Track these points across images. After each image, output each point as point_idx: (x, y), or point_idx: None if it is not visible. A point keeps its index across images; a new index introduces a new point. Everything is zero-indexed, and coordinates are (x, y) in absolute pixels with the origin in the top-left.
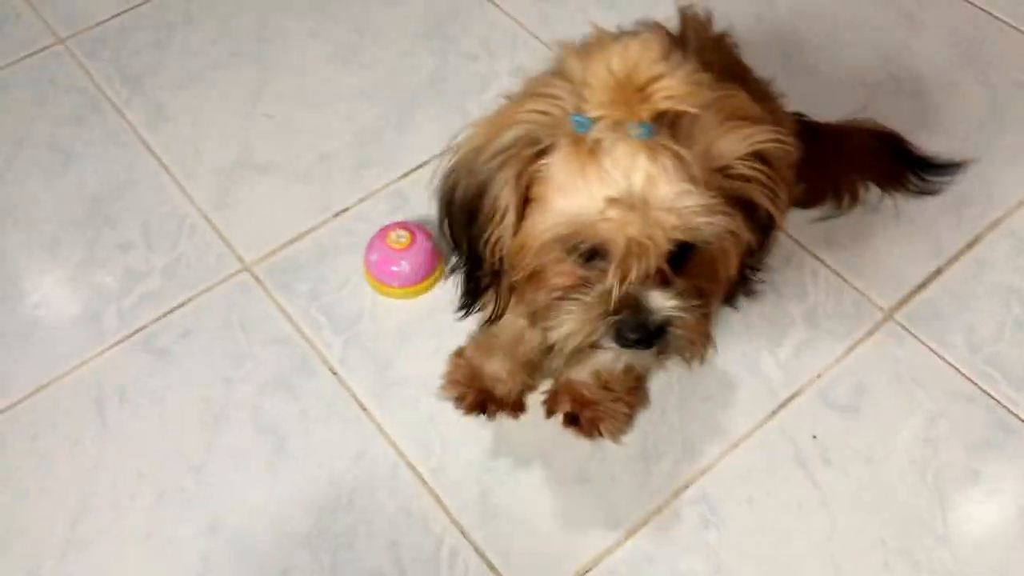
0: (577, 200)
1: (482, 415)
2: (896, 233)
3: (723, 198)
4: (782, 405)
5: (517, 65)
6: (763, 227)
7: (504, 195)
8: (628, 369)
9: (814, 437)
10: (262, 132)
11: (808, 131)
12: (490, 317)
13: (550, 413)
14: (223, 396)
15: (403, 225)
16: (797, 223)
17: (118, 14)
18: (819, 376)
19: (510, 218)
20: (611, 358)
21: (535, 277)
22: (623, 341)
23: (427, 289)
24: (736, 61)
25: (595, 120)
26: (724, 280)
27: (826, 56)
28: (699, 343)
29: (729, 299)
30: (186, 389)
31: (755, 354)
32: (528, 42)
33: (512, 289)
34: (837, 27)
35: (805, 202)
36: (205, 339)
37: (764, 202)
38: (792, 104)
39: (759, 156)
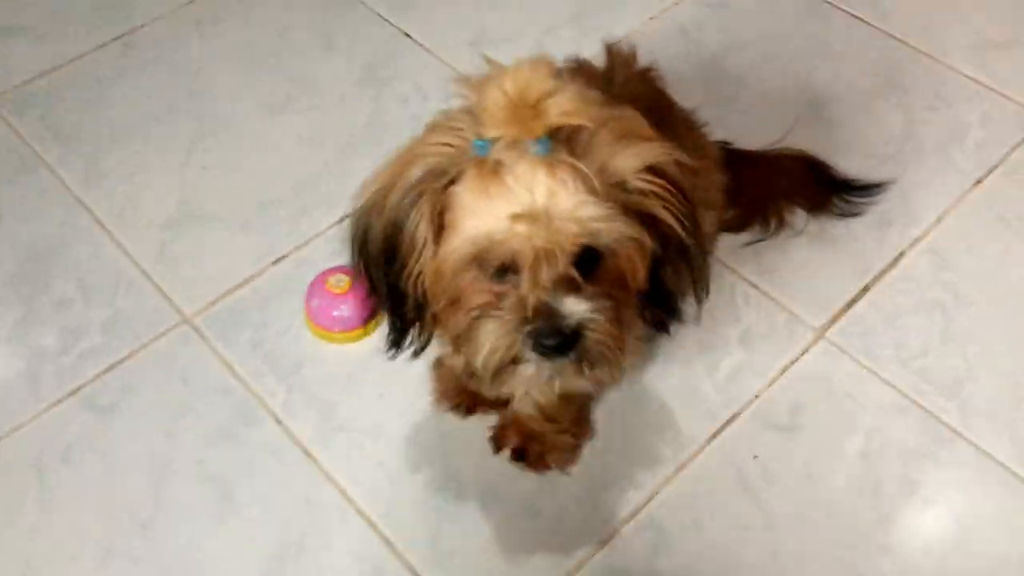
0: (484, 219)
1: (470, 415)
2: (823, 254)
3: (623, 210)
4: (722, 428)
5: (451, 107)
6: (668, 240)
7: (420, 229)
8: (565, 393)
9: (755, 457)
10: (199, 184)
11: (734, 158)
12: (415, 351)
13: (498, 449)
14: (168, 450)
15: (342, 269)
16: (727, 248)
17: (47, 71)
18: (756, 397)
19: (428, 250)
20: (533, 372)
21: (454, 302)
22: (541, 349)
23: (369, 333)
24: (661, 93)
25: (494, 141)
26: (633, 288)
27: (749, 87)
28: (615, 350)
29: (660, 325)
30: (130, 445)
31: (693, 379)
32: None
33: (436, 319)
34: (758, 59)
35: (734, 227)
36: (147, 394)
37: (664, 214)
38: (718, 133)
39: (655, 171)
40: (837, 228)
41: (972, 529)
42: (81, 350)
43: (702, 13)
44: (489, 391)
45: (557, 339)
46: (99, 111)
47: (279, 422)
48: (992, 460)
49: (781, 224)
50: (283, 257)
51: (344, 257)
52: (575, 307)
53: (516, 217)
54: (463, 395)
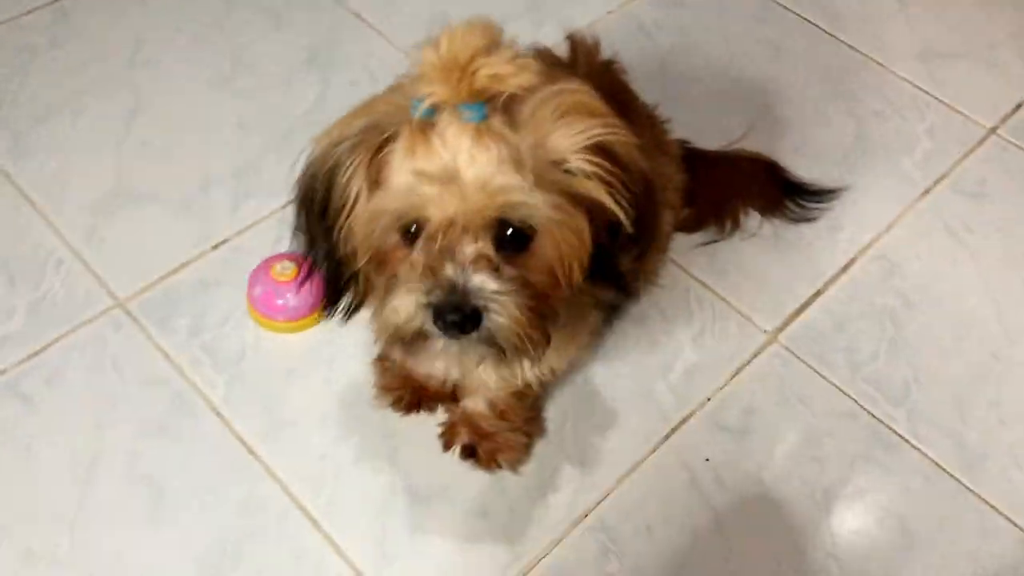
0: (404, 178)
1: (420, 413)
2: (776, 258)
3: (560, 193)
4: (675, 429)
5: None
6: (618, 228)
7: (354, 182)
8: (516, 389)
9: (707, 460)
10: (135, 162)
11: (693, 157)
12: (347, 311)
13: (448, 446)
14: (96, 443)
15: (288, 256)
16: (681, 249)
17: None
18: (709, 399)
19: (361, 206)
20: (440, 349)
21: (378, 264)
22: (442, 325)
23: (314, 323)
24: (624, 87)
25: (425, 98)
26: (564, 282)
27: (702, 86)
28: (528, 339)
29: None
30: (55, 437)
31: (647, 379)
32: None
33: (366, 284)
34: (713, 59)
35: (688, 227)
36: (75, 382)
37: (606, 199)
38: (674, 132)
39: (600, 151)
40: (790, 232)
41: (917, 534)
42: (3, 334)
43: (660, 11)
44: (407, 363)
45: (457, 315)
46: (28, 81)
47: (218, 415)
48: (937, 467)
49: (735, 226)
50: (223, 242)
51: (288, 244)
52: (482, 285)
53: (429, 178)
54: (405, 390)
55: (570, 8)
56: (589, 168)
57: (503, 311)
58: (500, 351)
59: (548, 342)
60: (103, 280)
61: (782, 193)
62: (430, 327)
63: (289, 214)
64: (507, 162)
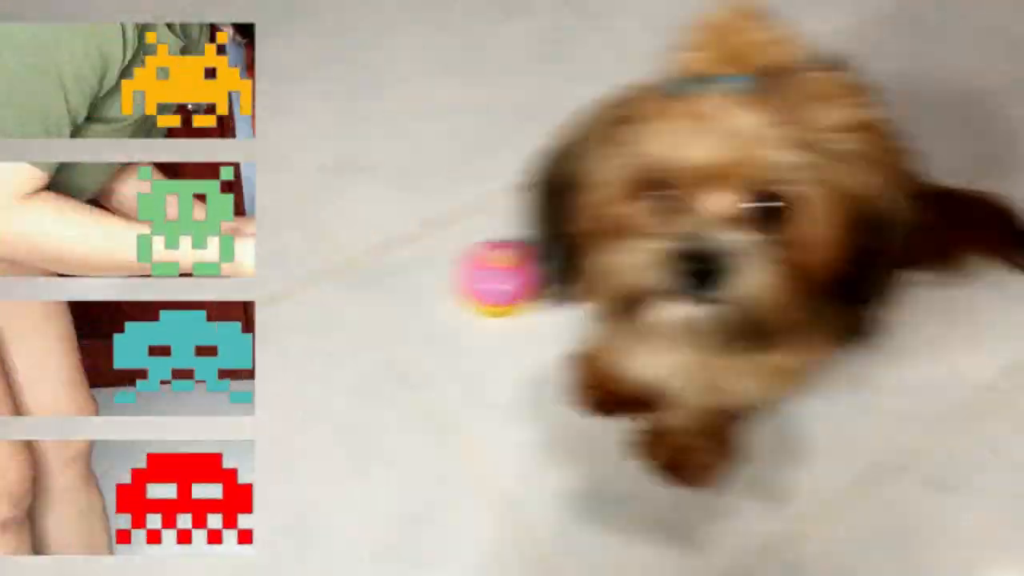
0: (656, 140)
1: (610, 415)
2: (997, 307)
3: (819, 171)
4: (872, 474)
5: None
6: (870, 224)
7: (593, 166)
8: (719, 399)
9: (903, 512)
10: (359, 134)
11: (927, 190)
12: (560, 298)
13: (639, 455)
14: (307, 402)
15: (503, 244)
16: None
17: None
18: (916, 449)
19: (606, 190)
20: (671, 313)
21: (611, 235)
22: (677, 277)
23: (521, 310)
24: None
25: (689, 62)
26: (815, 270)
27: (940, 118)
28: (777, 316)
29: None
30: (265, 394)
31: (848, 418)
32: (640, 74)
33: (591, 271)
34: (951, 92)
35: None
36: (288, 341)
37: (864, 184)
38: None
39: (859, 132)
40: (1015, 283)
41: None
42: None
43: (899, 33)
44: (614, 358)
45: (698, 265)
46: (272, 41)
47: (422, 387)
48: None
49: (956, 268)
50: (440, 221)
51: (503, 231)
52: (732, 239)
53: (684, 124)
54: (601, 391)
55: (805, 20)
56: (844, 148)
57: (752, 272)
58: (739, 331)
59: (797, 332)
60: (325, 243)
61: (1014, 241)
62: (663, 281)
63: (509, 201)
64: (767, 122)
